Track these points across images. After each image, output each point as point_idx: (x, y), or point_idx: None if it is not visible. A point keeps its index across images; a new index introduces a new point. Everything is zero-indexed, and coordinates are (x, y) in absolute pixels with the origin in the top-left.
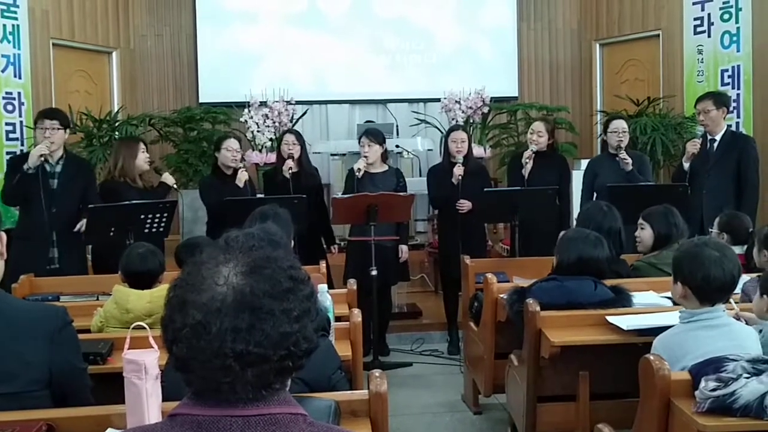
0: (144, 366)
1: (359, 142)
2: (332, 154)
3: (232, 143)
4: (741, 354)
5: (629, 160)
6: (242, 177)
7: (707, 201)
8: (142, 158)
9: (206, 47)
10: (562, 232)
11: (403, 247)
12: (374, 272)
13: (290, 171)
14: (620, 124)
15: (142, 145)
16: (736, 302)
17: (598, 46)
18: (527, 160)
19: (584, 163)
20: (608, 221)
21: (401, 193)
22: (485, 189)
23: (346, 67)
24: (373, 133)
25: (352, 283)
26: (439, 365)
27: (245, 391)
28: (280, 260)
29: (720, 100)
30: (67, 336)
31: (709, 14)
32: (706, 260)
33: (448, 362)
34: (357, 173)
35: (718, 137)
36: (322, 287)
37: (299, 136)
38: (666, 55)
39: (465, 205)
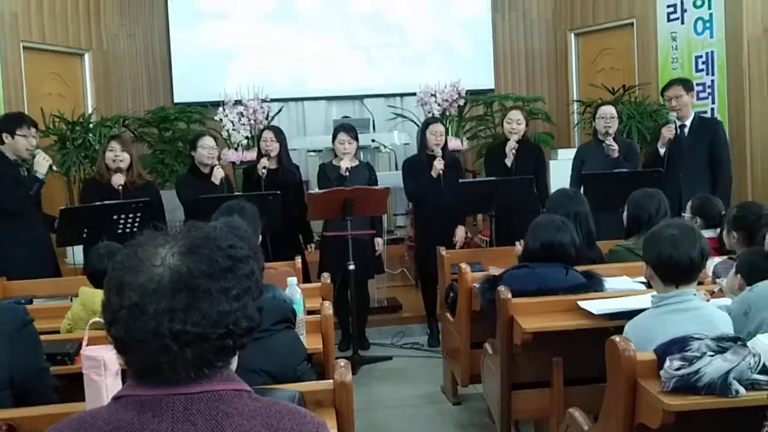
0: (103, 362)
1: (334, 139)
2: (309, 151)
3: (207, 141)
4: (706, 333)
5: (615, 147)
6: (218, 174)
7: (685, 186)
8: (110, 156)
9: (179, 46)
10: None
11: (379, 240)
12: (352, 267)
13: (264, 169)
14: (608, 110)
15: (112, 143)
16: (706, 284)
17: (573, 35)
18: (512, 151)
19: (561, 153)
20: (574, 206)
21: (377, 187)
22: (461, 180)
23: (322, 64)
24: (352, 129)
25: (326, 277)
26: (420, 358)
27: (186, 370)
28: (219, 240)
29: (688, 85)
30: (27, 335)
31: (682, 1)
32: (663, 240)
33: (429, 354)
34: (345, 173)
35: (688, 122)
36: (292, 280)
37: (278, 133)
38: (640, 43)
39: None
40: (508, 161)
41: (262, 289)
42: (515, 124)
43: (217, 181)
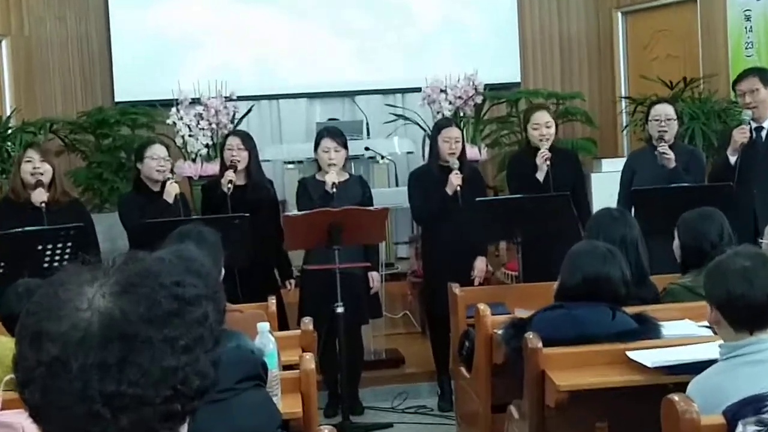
0: (22, 429)
1: (317, 147)
2: (286, 162)
3: (157, 149)
4: None
5: (670, 155)
6: (171, 190)
7: (761, 203)
8: (27, 169)
9: (122, 33)
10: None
11: (374, 275)
12: (340, 309)
13: (230, 184)
14: (663, 110)
15: (30, 152)
16: None
17: (619, 15)
18: (545, 161)
19: (606, 163)
20: (622, 230)
21: (372, 207)
22: (478, 199)
23: (302, 52)
24: (339, 134)
25: (308, 323)
26: (428, 425)
27: None
28: (163, 275)
29: (766, 76)
30: None
31: None
32: (731, 274)
33: (440, 420)
34: (330, 189)
35: (766, 124)
36: (263, 326)
37: (247, 140)
38: (705, 24)
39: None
40: (540, 174)
41: (219, 338)
42: (544, 128)
43: (170, 199)
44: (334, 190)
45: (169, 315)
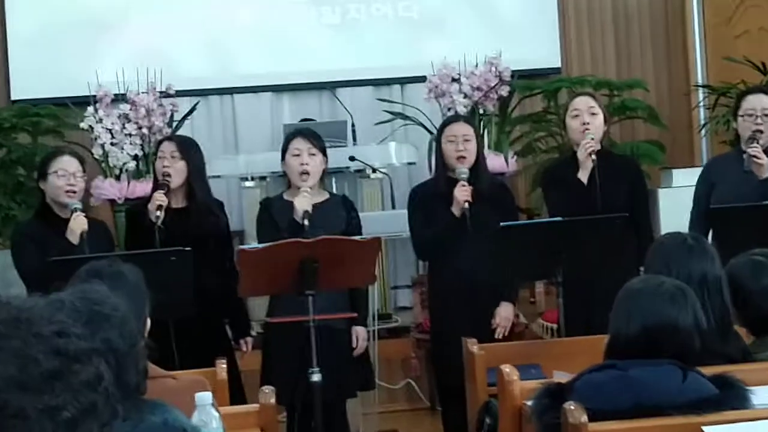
0: None
1: (284, 153)
2: (244, 179)
3: (65, 162)
4: None
5: (764, 160)
6: (76, 226)
7: None
8: None
9: (20, 14)
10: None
11: (359, 330)
12: (317, 377)
13: (159, 212)
14: (758, 101)
15: None
16: None
17: None
18: (589, 155)
19: (678, 174)
20: (698, 264)
21: (360, 237)
22: (503, 224)
23: (265, 31)
24: (314, 136)
25: (268, 393)
26: None
27: None
28: (38, 322)
29: None
30: None
31: None
32: None
33: None
34: (301, 220)
35: None
36: (202, 398)
37: (185, 145)
38: None
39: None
40: (584, 174)
41: (117, 408)
42: (587, 115)
43: (74, 239)
44: (306, 221)
45: (49, 377)
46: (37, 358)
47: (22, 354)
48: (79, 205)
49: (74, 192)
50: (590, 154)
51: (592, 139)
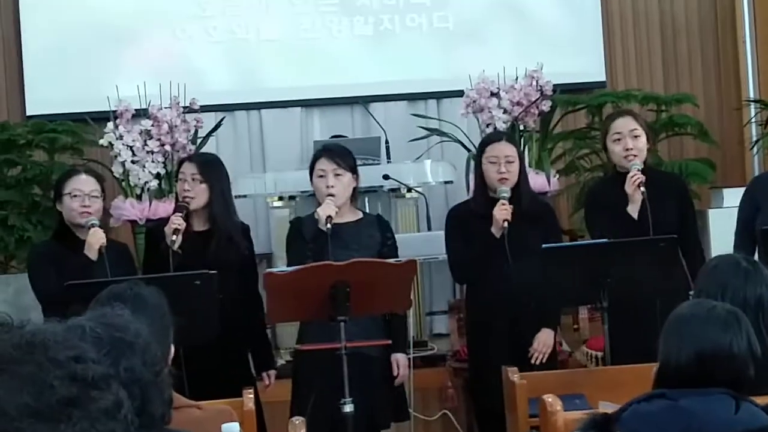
0: None
1: (312, 170)
2: (272, 198)
3: (81, 182)
4: None
5: None
6: (93, 241)
7: None
8: None
9: (35, 23)
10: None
11: (399, 358)
12: (349, 407)
13: (175, 236)
14: None
15: None
16: None
17: None
18: (638, 187)
19: (729, 194)
20: (754, 288)
21: (395, 260)
22: (545, 246)
23: (294, 44)
24: (342, 153)
25: (299, 424)
26: None
27: None
28: (54, 347)
29: None
30: None
31: None
32: None
33: None
34: (324, 227)
35: None
36: (230, 428)
37: (207, 167)
38: None
39: None
40: (633, 208)
41: None
42: (629, 139)
43: (92, 254)
44: (329, 226)
45: (66, 404)
46: (53, 384)
47: (36, 380)
48: (96, 221)
49: (89, 213)
50: (639, 186)
51: (639, 169)
